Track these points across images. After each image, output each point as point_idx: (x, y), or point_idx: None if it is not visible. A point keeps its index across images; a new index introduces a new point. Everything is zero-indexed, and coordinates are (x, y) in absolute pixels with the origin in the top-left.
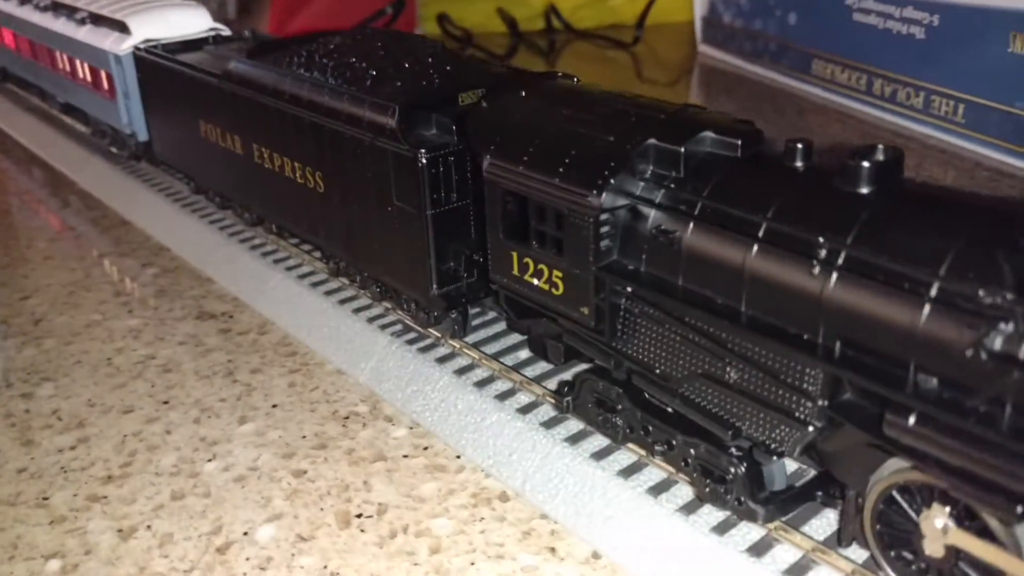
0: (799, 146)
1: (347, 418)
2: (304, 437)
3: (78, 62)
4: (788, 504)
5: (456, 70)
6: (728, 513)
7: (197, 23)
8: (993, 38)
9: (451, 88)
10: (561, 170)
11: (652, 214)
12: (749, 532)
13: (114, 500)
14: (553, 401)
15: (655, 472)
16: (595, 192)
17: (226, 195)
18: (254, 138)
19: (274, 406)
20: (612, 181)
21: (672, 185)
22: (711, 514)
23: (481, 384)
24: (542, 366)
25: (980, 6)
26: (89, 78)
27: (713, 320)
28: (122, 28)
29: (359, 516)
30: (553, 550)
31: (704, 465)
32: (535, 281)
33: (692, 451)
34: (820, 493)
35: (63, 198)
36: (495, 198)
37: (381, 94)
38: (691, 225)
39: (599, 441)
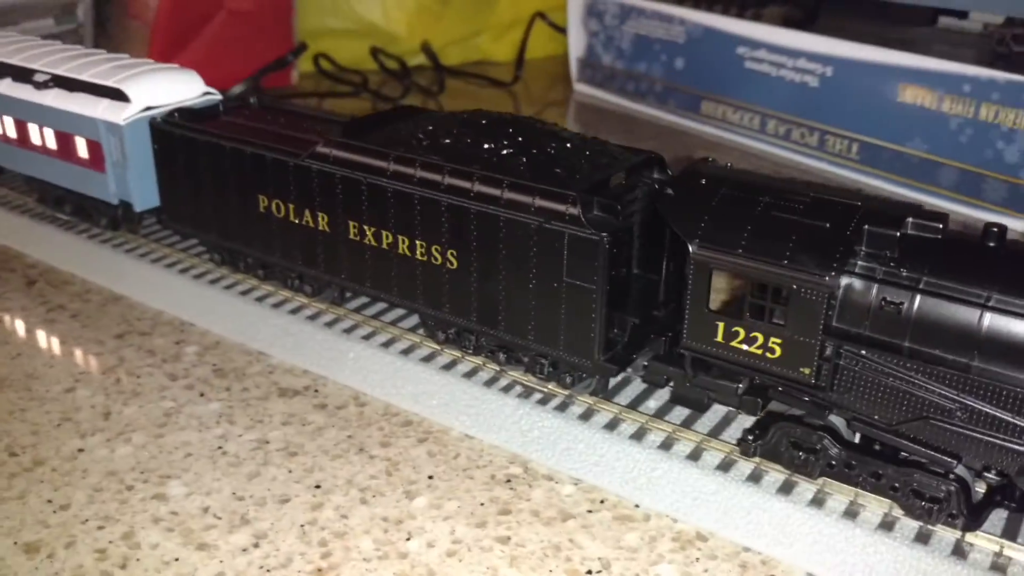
0: (994, 230)
1: (508, 481)
2: (483, 504)
3: (36, 128)
4: (981, 513)
5: (593, 153)
6: (920, 526)
7: (191, 88)
8: (884, 89)
9: (600, 171)
10: (788, 254)
11: (874, 287)
12: (943, 538)
13: None
14: (720, 446)
15: (840, 499)
16: (832, 274)
17: (289, 268)
18: (352, 217)
19: (430, 477)
20: (846, 263)
21: (891, 263)
22: (905, 528)
23: (636, 437)
24: (678, 413)
25: (872, 61)
26: (54, 146)
27: (953, 374)
28: (117, 96)
29: (589, 572)
30: None
31: (916, 489)
32: (745, 347)
33: (904, 479)
34: (1006, 501)
35: (23, 274)
36: (702, 277)
37: (550, 182)
38: (918, 297)
39: (774, 477)
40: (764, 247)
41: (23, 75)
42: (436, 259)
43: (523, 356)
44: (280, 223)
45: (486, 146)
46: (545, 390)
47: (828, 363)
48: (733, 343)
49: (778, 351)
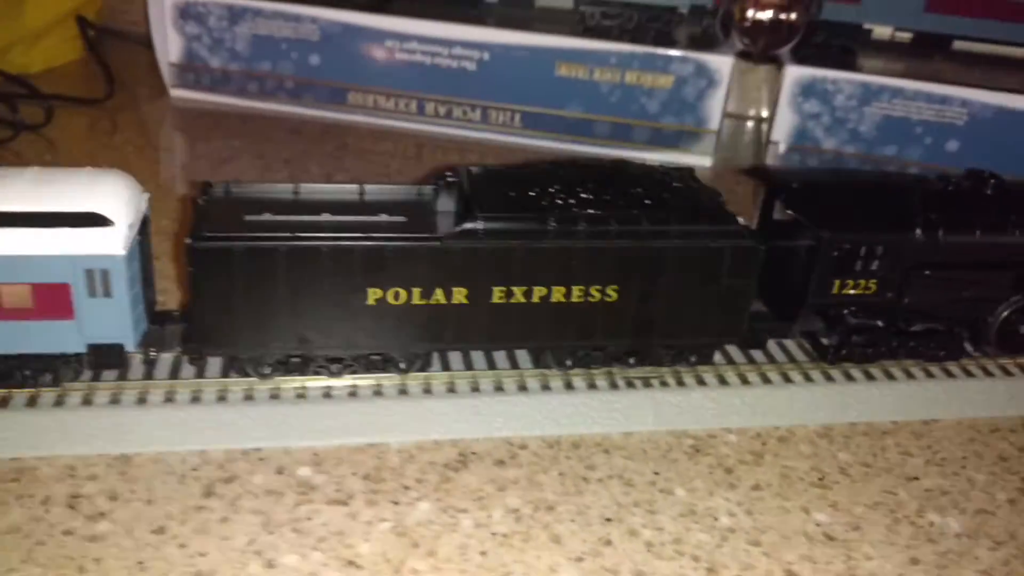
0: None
1: (698, 451)
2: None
3: None
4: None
5: (676, 179)
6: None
7: (136, 191)
8: (541, 67)
9: (706, 194)
10: (885, 227)
11: (917, 232)
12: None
13: None
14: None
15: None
16: (911, 233)
17: (399, 352)
18: (498, 283)
19: (657, 472)
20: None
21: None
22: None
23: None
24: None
25: (527, 45)
26: None
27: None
28: (88, 221)
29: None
30: None
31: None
32: (852, 292)
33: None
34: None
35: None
36: (830, 252)
37: (699, 212)
38: (940, 231)
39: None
40: (869, 225)
41: None
42: (594, 297)
43: (649, 356)
44: (396, 311)
45: (630, 191)
46: (660, 375)
47: (901, 285)
48: (844, 291)
49: (874, 287)
